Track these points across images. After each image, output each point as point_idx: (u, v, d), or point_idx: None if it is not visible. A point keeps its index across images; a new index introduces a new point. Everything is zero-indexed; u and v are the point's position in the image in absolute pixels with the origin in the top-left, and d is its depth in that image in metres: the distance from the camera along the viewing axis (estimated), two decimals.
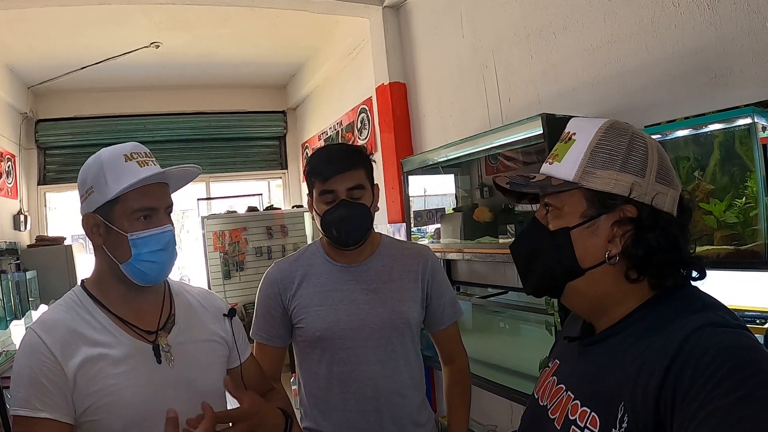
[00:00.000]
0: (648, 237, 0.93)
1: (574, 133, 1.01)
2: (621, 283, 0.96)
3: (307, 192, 1.84)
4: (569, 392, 1.01)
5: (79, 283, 1.42)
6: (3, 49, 5.32)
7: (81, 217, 1.36)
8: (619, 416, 0.85)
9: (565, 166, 0.99)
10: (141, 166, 1.32)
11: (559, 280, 1.00)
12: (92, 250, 1.39)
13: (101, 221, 1.32)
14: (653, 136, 1.99)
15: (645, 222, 0.94)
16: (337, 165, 1.71)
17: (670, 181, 0.97)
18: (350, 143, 5.70)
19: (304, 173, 1.83)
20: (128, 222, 1.31)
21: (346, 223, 1.70)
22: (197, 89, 7.34)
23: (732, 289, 1.82)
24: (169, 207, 1.39)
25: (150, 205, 1.33)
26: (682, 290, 0.96)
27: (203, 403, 1.19)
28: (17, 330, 3.87)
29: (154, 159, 1.37)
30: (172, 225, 1.39)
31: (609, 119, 1.00)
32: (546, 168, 1.04)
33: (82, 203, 1.35)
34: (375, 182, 1.83)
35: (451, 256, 3.42)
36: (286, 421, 1.35)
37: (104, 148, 1.36)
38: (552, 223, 1.01)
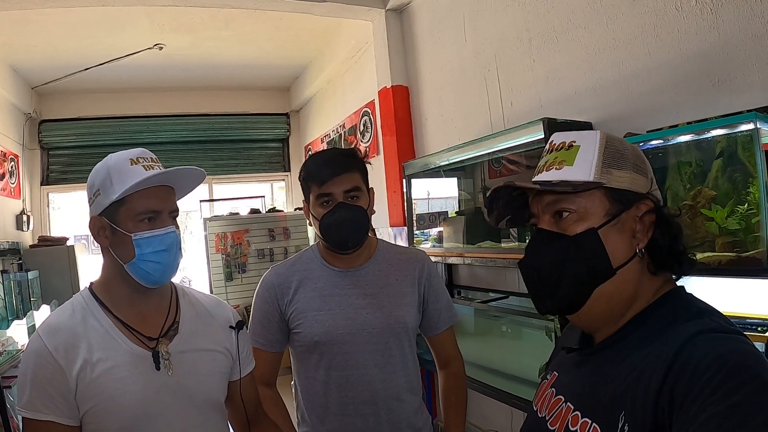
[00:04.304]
0: (671, 224, 0.97)
1: (574, 141, 1.01)
2: (640, 281, 0.97)
3: (303, 198, 1.84)
4: (568, 403, 1.00)
5: (87, 285, 1.44)
6: (7, 49, 5.33)
7: (89, 220, 1.38)
8: (620, 426, 0.85)
9: (579, 169, 0.98)
10: (146, 170, 1.33)
11: (585, 288, 0.97)
12: (97, 252, 1.40)
13: (107, 223, 1.34)
14: (655, 141, 2.01)
15: (663, 213, 0.97)
16: (334, 168, 1.71)
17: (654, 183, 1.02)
18: (353, 147, 5.70)
19: (299, 179, 1.82)
20: (132, 223, 1.32)
21: (346, 225, 1.70)
22: (200, 91, 7.35)
23: (733, 296, 1.81)
24: (174, 211, 1.40)
25: (154, 208, 1.34)
26: (678, 297, 0.96)
27: None
28: (19, 330, 3.87)
29: (160, 164, 1.39)
30: (177, 228, 1.40)
31: (600, 130, 1.03)
32: (555, 174, 1.01)
33: (90, 207, 1.38)
34: (370, 186, 1.83)
35: (452, 260, 3.41)
36: None
37: (112, 153, 1.37)
38: (570, 228, 0.98)
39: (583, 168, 0.98)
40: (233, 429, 1.65)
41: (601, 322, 1.01)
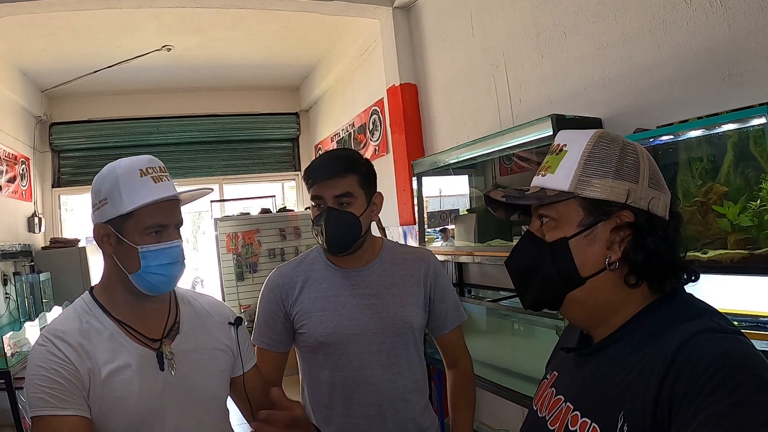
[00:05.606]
0: (647, 241, 0.94)
1: (565, 145, 1.01)
2: (620, 290, 0.97)
3: None
4: (568, 403, 1.00)
5: (87, 290, 1.45)
6: (16, 53, 5.37)
7: (93, 226, 1.39)
8: (619, 425, 0.85)
9: (558, 177, 0.99)
10: (155, 182, 1.35)
11: (559, 291, 1.00)
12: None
13: (112, 232, 1.35)
14: (665, 137, 1.98)
15: (643, 226, 0.94)
16: (325, 172, 1.71)
17: (660, 186, 0.98)
18: (362, 146, 5.69)
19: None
20: (139, 236, 1.34)
21: (330, 230, 1.69)
22: (210, 91, 7.37)
23: (746, 294, 1.78)
24: (179, 223, 1.43)
25: (162, 222, 1.36)
26: (677, 297, 0.96)
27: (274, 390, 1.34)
28: (31, 331, 3.90)
29: (167, 174, 1.41)
30: (181, 240, 1.43)
31: (598, 130, 1.01)
32: (539, 180, 1.04)
33: (94, 212, 1.38)
34: (377, 190, 1.81)
35: (463, 259, 3.39)
36: None
37: (120, 160, 1.38)
38: (548, 235, 1.01)
39: (562, 176, 0.99)
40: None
41: (585, 323, 1.04)
